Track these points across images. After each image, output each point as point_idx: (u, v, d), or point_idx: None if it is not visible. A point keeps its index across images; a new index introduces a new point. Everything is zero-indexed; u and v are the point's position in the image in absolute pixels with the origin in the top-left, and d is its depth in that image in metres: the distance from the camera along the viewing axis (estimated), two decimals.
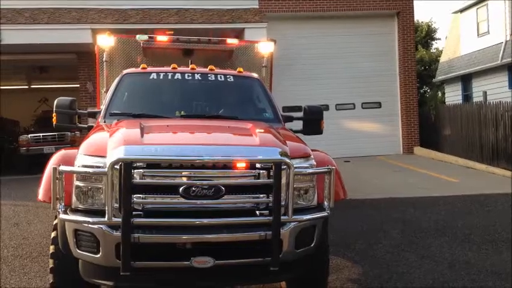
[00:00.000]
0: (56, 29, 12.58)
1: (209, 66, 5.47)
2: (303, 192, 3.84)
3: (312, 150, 4.21)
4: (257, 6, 14.52)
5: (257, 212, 3.60)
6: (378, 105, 16.32)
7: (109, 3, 13.61)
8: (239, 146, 3.76)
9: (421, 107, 19.22)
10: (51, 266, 3.83)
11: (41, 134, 15.60)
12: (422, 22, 32.98)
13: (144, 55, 6.75)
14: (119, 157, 3.31)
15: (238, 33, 13.63)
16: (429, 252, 5.81)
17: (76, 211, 3.52)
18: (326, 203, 3.79)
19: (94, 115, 4.92)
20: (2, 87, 22.41)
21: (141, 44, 6.66)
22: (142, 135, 3.78)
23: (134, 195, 3.38)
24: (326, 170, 3.76)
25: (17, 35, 12.39)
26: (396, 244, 6.17)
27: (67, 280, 3.81)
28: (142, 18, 13.26)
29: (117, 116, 4.69)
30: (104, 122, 4.68)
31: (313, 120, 5.31)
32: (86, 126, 4.99)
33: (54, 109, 4.89)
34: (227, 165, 3.51)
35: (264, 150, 3.67)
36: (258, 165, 3.58)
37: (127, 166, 3.29)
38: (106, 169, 3.29)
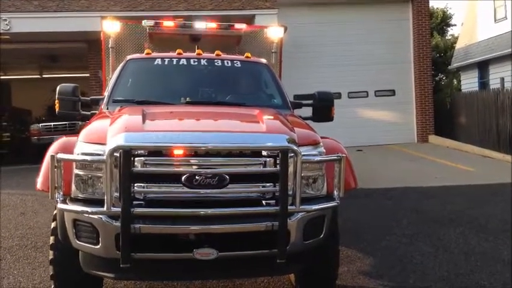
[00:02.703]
0: (64, 17, 12.49)
1: (216, 52, 5.29)
2: (311, 181, 3.69)
3: (322, 137, 4.05)
4: None
5: (263, 202, 3.46)
6: (392, 93, 16.00)
7: None
8: (244, 132, 3.60)
9: (436, 94, 18.84)
10: (51, 257, 3.72)
11: (52, 124, 15.62)
12: (437, 8, 32.34)
13: (150, 41, 6.59)
14: (118, 144, 3.18)
15: (249, 20, 13.38)
16: (444, 243, 5.62)
17: (75, 200, 3.40)
18: (335, 192, 3.63)
19: (97, 102, 4.78)
20: (14, 77, 22.54)
21: (147, 30, 6.50)
22: (143, 122, 3.64)
23: (136, 184, 3.26)
24: (336, 157, 3.59)
25: (25, 23, 12.31)
26: (409, 234, 5.98)
27: (67, 272, 3.70)
28: (151, 6, 13.10)
29: (120, 103, 4.56)
30: (107, 109, 4.55)
31: (323, 107, 5.11)
32: (89, 113, 4.85)
33: (56, 96, 4.76)
34: (231, 153, 3.37)
35: (270, 137, 3.52)
36: (264, 153, 3.43)
37: (126, 153, 3.15)
38: (104, 157, 3.15)
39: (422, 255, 5.20)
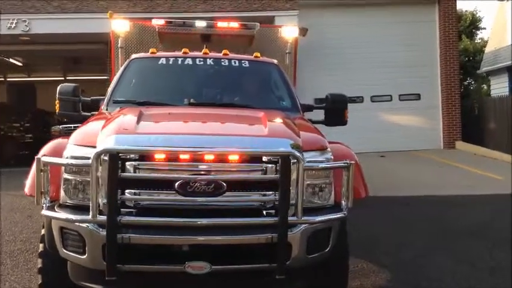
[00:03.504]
0: (83, 18, 12.47)
1: (223, 51, 5.05)
2: (317, 190, 3.42)
3: (332, 142, 3.78)
4: None
5: (264, 212, 3.19)
6: (417, 97, 15.48)
7: None
8: (244, 136, 3.34)
9: (464, 99, 18.22)
10: (39, 266, 3.53)
11: (72, 125, 15.60)
12: (466, 11, 31.51)
13: (160, 41, 6.40)
14: (105, 147, 2.96)
15: (269, 22, 13.13)
16: (466, 257, 5.22)
17: (64, 207, 3.20)
18: (343, 202, 3.33)
19: (97, 103, 4.59)
20: (38, 79, 22.79)
21: (156, 29, 6.30)
22: (138, 124, 3.42)
23: (127, 191, 3.05)
24: (343, 164, 3.29)
25: (45, 24, 12.33)
26: (429, 246, 5.60)
27: (55, 282, 3.51)
28: (170, 7, 12.99)
29: (121, 104, 4.37)
30: (107, 109, 4.37)
31: (336, 110, 4.80)
32: (89, 114, 4.67)
33: (57, 96, 4.60)
34: (229, 158, 3.11)
35: (271, 141, 3.25)
36: (265, 159, 3.17)
37: (112, 157, 2.93)
38: (90, 160, 2.93)
39: (441, 269, 4.83)
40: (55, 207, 3.18)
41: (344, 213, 3.29)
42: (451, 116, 15.15)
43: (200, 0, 13.55)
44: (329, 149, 3.53)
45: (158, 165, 3.11)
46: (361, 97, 15.15)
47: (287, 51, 6.64)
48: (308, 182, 3.29)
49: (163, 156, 3.08)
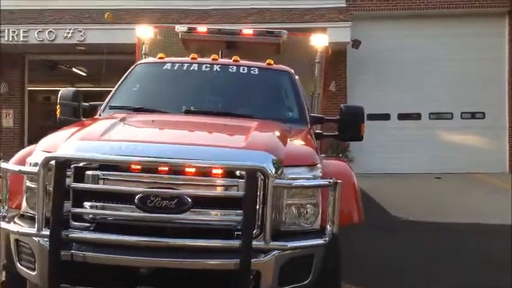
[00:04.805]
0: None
1: (233, 57, 4.77)
2: (302, 211, 3.03)
3: (332, 158, 3.40)
4: (344, 5, 13.49)
5: (235, 234, 2.85)
6: (482, 115, 14.34)
7: (192, 4, 13.48)
8: (217, 147, 3.02)
9: None
10: (3, 279, 3.36)
11: None
12: None
13: (185, 48, 6.21)
14: (54, 154, 2.75)
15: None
16: None
17: (25, 217, 3.04)
18: (328, 227, 2.92)
19: (96, 108, 4.44)
20: (107, 89, 23.58)
21: (179, 36, 6.13)
22: (110, 130, 3.21)
23: (87, 203, 2.85)
24: (325, 183, 2.90)
25: (100, 34, 12.65)
26: (463, 282, 4.94)
27: None
28: (220, 18, 12.91)
29: (117, 109, 4.21)
30: (100, 115, 4.21)
31: (350, 123, 4.34)
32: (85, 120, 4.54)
33: (58, 101, 4.51)
34: (190, 171, 2.82)
35: (244, 154, 2.92)
36: (238, 173, 2.84)
37: (59, 165, 2.70)
38: (37, 168, 2.72)
39: None
40: (15, 218, 3.02)
41: (325, 240, 2.88)
42: None
43: (252, 11, 13.38)
44: (318, 165, 3.13)
45: (117, 176, 2.85)
46: (418, 114, 14.29)
47: (317, 60, 6.22)
48: (289, 202, 2.95)
49: (128, 166, 2.84)
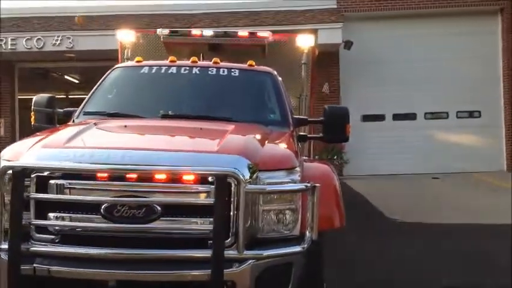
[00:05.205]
0: None
1: (213, 59, 4.63)
2: (281, 217, 2.90)
3: (316, 161, 3.26)
4: (335, 6, 13.37)
5: (209, 243, 2.69)
6: (477, 114, 14.23)
7: (179, 7, 13.39)
8: (187, 152, 2.85)
9: None
10: None
11: None
12: None
13: (167, 51, 6.04)
14: (11, 164, 2.61)
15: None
16: None
17: None
18: (307, 233, 2.77)
19: (70, 114, 4.28)
20: None
21: (161, 39, 5.97)
22: (76, 137, 3.05)
23: (51, 214, 2.71)
24: (302, 187, 2.76)
25: (88, 41, 12.51)
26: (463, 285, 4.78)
27: None
28: (211, 22, 12.78)
29: (91, 115, 4.05)
30: (73, 121, 4.06)
31: (335, 124, 4.18)
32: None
33: (32, 107, 4.35)
34: (162, 177, 2.66)
35: (216, 158, 2.77)
36: (210, 179, 2.69)
37: (16, 174, 2.54)
38: None
39: None
40: None
41: (303, 247, 2.73)
42: None
43: (242, 14, 13.27)
44: (297, 169, 2.98)
45: (82, 185, 2.71)
46: (414, 114, 14.16)
47: (303, 61, 6.06)
48: (266, 208, 2.80)
49: (94, 173, 2.70)
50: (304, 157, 4.08)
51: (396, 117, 14.17)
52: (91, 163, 2.64)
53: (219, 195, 2.54)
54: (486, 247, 6.18)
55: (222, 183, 2.55)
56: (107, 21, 12.99)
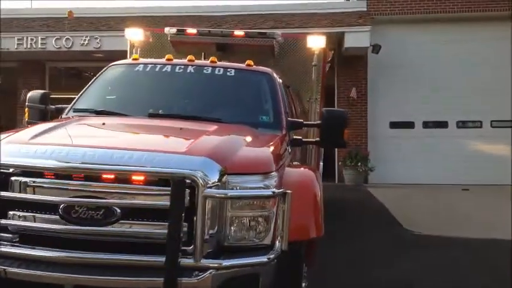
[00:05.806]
0: None
1: (210, 58, 4.47)
2: (253, 225, 2.72)
3: (303, 166, 3.09)
4: (365, 9, 13.02)
5: None
6: None
7: (205, 10, 13.35)
8: (151, 152, 2.69)
9: None
10: None
11: None
12: None
13: (175, 50, 5.94)
14: None
15: (340, 39, 12.31)
16: None
17: None
18: (277, 242, 2.62)
19: (62, 111, 4.21)
20: None
21: (168, 38, 5.87)
22: (44, 133, 2.97)
23: (11, 212, 2.65)
24: (269, 194, 2.57)
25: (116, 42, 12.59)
26: None
27: None
28: (236, 24, 12.65)
29: (80, 112, 3.98)
30: (60, 117, 4.00)
31: (332, 128, 3.94)
32: None
33: (26, 104, 4.32)
34: (123, 178, 2.55)
35: (180, 159, 2.61)
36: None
37: None
38: None
39: None
40: None
41: (268, 258, 2.54)
42: None
43: (269, 17, 13.10)
44: (273, 174, 2.78)
45: (42, 183, 2.61)
46: (445, 122, 13.60)
47: (313, 63, 5.82)
48: (235, 214, 2.62)
49: (57, 172, 2.59)
50: (295, 162, 3.88)
51: (427, 124, 13.66)
52: (47, 160, 2.53)
53: (175, 198, 2.37)
54: (504, 263, 5.78)
55: (179, 185, 2.38)
56: (134, 23, 13.03)
